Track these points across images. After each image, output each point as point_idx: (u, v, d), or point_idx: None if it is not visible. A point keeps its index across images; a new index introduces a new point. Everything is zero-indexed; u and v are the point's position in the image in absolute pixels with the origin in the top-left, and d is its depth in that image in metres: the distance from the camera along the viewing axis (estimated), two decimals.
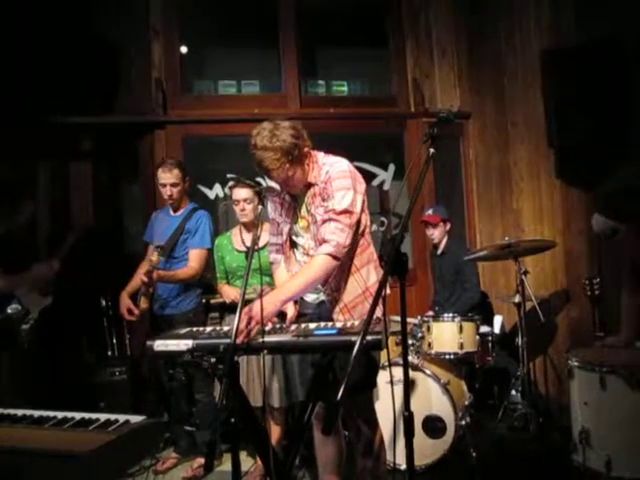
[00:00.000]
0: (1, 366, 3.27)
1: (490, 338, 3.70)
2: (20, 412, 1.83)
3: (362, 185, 2.38)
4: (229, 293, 3.40)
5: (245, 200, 3.29)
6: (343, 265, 2.35)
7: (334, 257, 2.24)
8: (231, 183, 3.39)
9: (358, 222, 2.35)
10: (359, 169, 2.48)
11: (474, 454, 3.26)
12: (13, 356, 3.31)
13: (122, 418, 1.70)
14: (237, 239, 3.43)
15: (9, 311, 2.59)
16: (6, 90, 3.93)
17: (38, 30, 4.15)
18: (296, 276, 2.30)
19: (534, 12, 4.22)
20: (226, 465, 3.36)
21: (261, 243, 3.09)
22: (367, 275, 2.41)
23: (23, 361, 3.37)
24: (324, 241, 2.26)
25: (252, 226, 3.33)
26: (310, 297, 2.44)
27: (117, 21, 4.54)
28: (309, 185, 2.37)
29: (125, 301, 3.50)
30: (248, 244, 3.26)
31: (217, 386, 3.33)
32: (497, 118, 4.72)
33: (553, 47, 3.90)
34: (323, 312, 2.42)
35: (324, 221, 2.30)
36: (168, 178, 3.50)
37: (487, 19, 4.79)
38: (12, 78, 4.00)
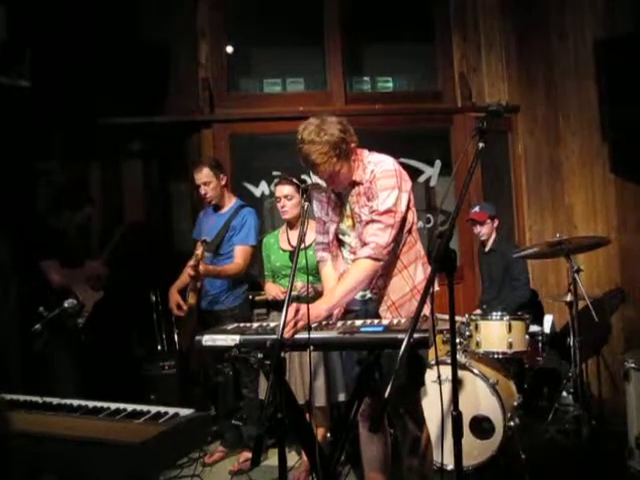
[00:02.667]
0: (60, 358, 3.42)
1: (540, 338, 3.60)
2: (76, 402, 1.90)
3: (408, 183, 2.36)
4: (271, 290, 3.42)
5: (286, 197, 3.28)
6: (390, 263, 2.34)
7: (374, 259, 2.24)
8: (277, 180, 3.40)
9: (404, 220, 2.33)
10: (405, 166, 2.46)
11: (523, 456, 3.18)
12: (70, 348, 3.45)
13: (172, 411, 1.75)
14: (283, 237, 3.44)
15: (65, 305, 2.69)
16: (58, 92, 4.07)
17: (88, 33, 4.27)
18: (339, 284, 2.31)
19: (587, 1, 4.08)
20: (272, 460, 3.39)
21: (307, 241, 3.10)
22: (414, 272, 2.38)
23: (80, 353, 3.51)
24: (365, 243, 2.27)
25: (295, 223, 3.33)
26: (357, 294, 2.43)
27: (165, 23, 4.64)
28: (354, 183, 2.36)
29: (174, 296, 3.59)
30: (293, 243, 3.27)
31: (261, 382, 3.35)
32: (547, 111, 4.59)
33: (607, 36, 3.76)
34: (370, 309, 2.41)
35: (367, 222, 2.30)
36: (200, 178, 3.58)
37: (536, 9, 4.66)
38: (64, 82, 4.13)
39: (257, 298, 3.70)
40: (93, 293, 3.64)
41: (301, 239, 2.15)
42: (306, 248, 3.09)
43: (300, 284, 3.13)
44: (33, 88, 3.51)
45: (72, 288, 3.52)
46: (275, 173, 4.62)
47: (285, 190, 3.28)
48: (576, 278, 3.51)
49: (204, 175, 3.56)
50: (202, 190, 3.59)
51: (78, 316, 3.46)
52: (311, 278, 3.06)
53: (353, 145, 2.31)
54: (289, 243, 3.31)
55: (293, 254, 3.23)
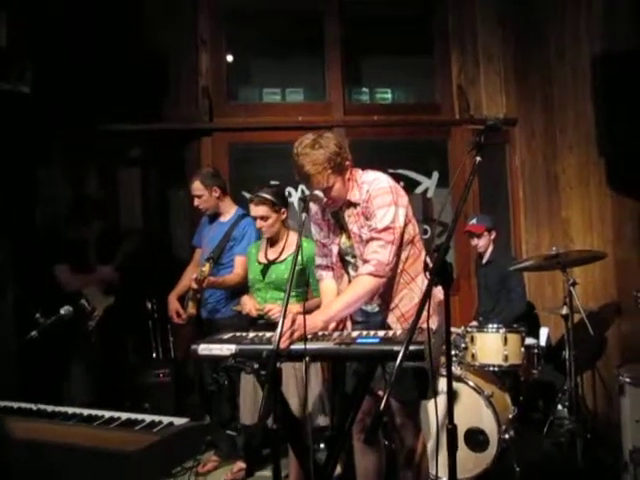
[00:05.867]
0: (72, 361, 3.59)
1: (536, 350, 3.60)
2: (70, 410, 1.89)
3: (404, 198, 2.38)
4: (246, 304, 3.14)
5: (262, 218, 3.07)
6: (397, 276, 2.36)
7: (376, 276, 2.25)
8: (250, 197, 3.18)
9: (403, 234, 2.34)
10: (402, 177, 2.49)
11: (518, 469, 3.18)
12: (82, 352, 3.63)
13: (166, 420, 1.74)
14: (262, 251, 3.25)
15: (62, 312, 2.69)
16: (58, 99, 4.09)
17: (88, 40, 4.30)
18: (338, 298, 2.33)
19: (585, 15, 4.11)
20: (266, 470, 3.38)
21: (283, 255, 3.06)
22: (422, 283, 2.39)
23: (92, 356, 3.68)
24: (366, 261, 2.29)
25: (277, 239, 3.15)
26: (366, 307, 2.44)
27: (166, 31, 4.68)
28: (349, 204, 2.38)
29: (173, 304, 3.62)
30: (270, 257, 3.14)
31: (241, 392, 3.18)
32: (545, 125, 4.61)
33: (605, 51, 3.79)
34: (373, 321, 2.43)
35: (367, 240, 2.32)
36: (192, 190, 3.64)
37: (535, 23, 4.70)
38: (63, 88, 4.15)
39: (232, 308, 3.48)
40: (104, 298, 3.73)
41: (298, 251, 2.14)
42: (276, 263, 3.05)
43: (269, 306, 2.82)
44: (33, 94, 3.53)
45: (83, 292, 3.68)
46: (273, 182, 4.62)
47: (260, 211, 3.07)
48: (572, 291, 3.52)
49: (195, 188, 3.61)
50: (195, 202, 3.65)
51: (88, 319, 3.56)
52: (279, 294, 3.00)
53: (347, 163, 2.34)
54: (265, 257, 3.18)
55: (266, 267, 3.13)
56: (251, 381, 3.00)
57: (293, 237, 3.06)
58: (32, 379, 3.46)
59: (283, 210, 3.09)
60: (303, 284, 3.02)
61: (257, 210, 3.08)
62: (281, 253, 3.08)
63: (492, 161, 4.91)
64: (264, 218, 3.08)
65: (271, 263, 3.11)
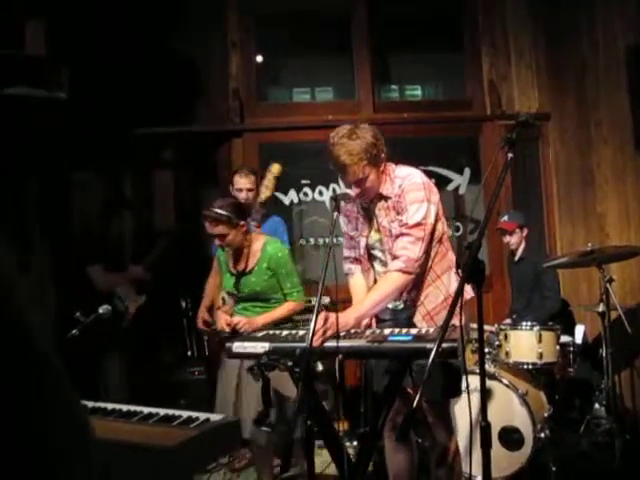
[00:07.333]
0: (107, 360, 3.64)
1: (571, 348, 3.55)
2: (110, 406, 1.94)
3: (436, 195, 2.38)
4: (219, 321, 2.94)
5: (219, 236, 2.89)
6: (423, 274, 2.36)
7: (405, 272, 2.25)
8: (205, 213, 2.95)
9: (433, 231, 2.34)
10: (434, 174, 2.48)
11: (554, 469, 3.13)
12: (118, 349, 3.70)
13: (203, 416, 1.77)
14: (230, 260, 3.07)
15: (100, 311, 2.76)
16: (92, 103, 4.19)
17: (121, 45, 4.39)
18: (368, 295, 2.34)
19: (618, 7, 4.02)
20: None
21: (250, 265, 2.94)
22: (448, 281, 2.39)
23: (128, 354, 3.78)
24: (395, 257, 2.29)
25: (241, 249, 2.97)
26: (390, 304, 2.45)
27: (196, 35, 4.74)
28: (381, 197, 2.38)
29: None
30: (239, 268, 3.00)
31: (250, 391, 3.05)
32: (579, 118, 4.53)
33: (638, 43, 3.71)
34: (400, 318, 2.42)
35: (397, 235, 2.32)
36: (245, 183, 3.60)
37: (566, 17, 4.62)
38: (97, 92, 4.25)
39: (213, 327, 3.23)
40: (136, 297, 3.81)
41: (329, 254, 2.13)
42: (246, 273, 2.95)
43: (236, 319, 2.79)
44: (70, 100, 3.62)
45: (117, 291, 3.75)
46: (304, 181, 4.65)
47: (217, 230, 2.88)
48: (608, 288, 3.45)
49: (250, 181, 3.60)
50: (243, 195, 3.58)
51: (122, 319, 3.65)
52: (259, 303, 2.96)
53: (383, 155, 2.33)
54: (235, 267, 3.05)
55: (237, 280, 3.01)
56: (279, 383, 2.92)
57: (256, 243, 2.98)
58: (71, 376, 3.56)
59: (242, 224, 2.91)
60: (278, 290, 2.97)
61: (214, 230, 2.88)
62: (247, 262, 2.98)
63: (525, 157, 4.84)
64: (222, 237, 2.89)
65: (241, 274, 2.99)
